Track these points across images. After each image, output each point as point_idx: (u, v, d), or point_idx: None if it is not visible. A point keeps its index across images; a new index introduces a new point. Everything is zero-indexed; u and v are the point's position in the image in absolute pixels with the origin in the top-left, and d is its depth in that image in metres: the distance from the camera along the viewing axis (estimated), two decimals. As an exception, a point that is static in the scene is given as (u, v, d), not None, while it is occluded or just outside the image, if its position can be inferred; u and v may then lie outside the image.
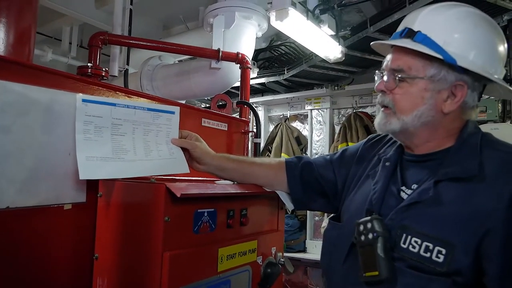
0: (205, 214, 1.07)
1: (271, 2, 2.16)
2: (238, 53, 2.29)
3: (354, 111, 3.95)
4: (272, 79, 3.94)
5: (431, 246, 0.88)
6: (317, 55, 3.07)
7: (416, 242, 0.90)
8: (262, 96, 4.53)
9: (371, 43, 1.13)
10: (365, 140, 1.27)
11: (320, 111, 4.16)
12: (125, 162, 1.10)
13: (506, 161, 0.91)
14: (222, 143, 1.73)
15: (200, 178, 1.35)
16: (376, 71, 1.08)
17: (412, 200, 0.96)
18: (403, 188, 1.01)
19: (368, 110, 3.96)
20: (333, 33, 2.60)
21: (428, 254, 0.88)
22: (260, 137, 1.97)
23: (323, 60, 3.12)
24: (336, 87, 4.10)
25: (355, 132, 3.80)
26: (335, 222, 1.15)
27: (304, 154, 4.24)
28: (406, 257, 0.91)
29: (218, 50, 2.28)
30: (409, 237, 0.91)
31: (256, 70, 3.85)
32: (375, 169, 1.11)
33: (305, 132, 4.35)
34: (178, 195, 0.93)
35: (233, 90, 3.09)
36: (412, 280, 0.89)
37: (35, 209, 1.02)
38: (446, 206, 0.91)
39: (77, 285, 1.09)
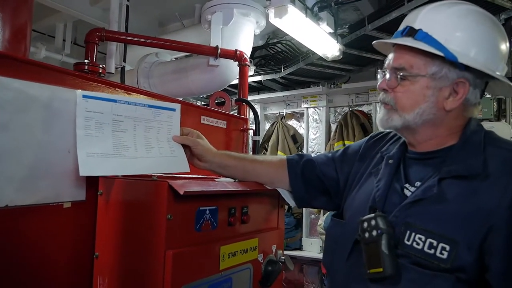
0: (207, 212, 1.06)
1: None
2: (236, 50, 2.27)
3: (351, 109, 3.96)
4: (268, 77, 3.94)
5: (435, 242, 0.88)
6: (314, 53, 3.07)
7: (420, 239, 0.90)
8: (258, 94, 4.52)
9: (373, 42, 1.13)
10: (367, 137, 1.27)
11: (316, 109, 4.16)
12: (126, 159, 1.09)
13: (509, 159, 0.92)
14: (221, 141, 1.72)
15: (199, 176, 1.34)
16: (379, 70, 1.08)
17: (416, 198, 0.96)
18: (407, 185, 1.02)
19: (365, 109, 3.97)
20: (331, 31, 2.60)
21: (432, 251, 0.88)
22: (259, 135, 1.96)
23: (320, 58, 3.12)
24: (332, 85, 4.10)
25: (352, 130, 3.80)
26: (338, 220, 1.15)
27: (300, 152, 4.24)
28: (410, 253, 0.91)
29: (216, 47, 2.26)
30: (413, 234, 0.92)
31: (253, 68, 3.84)
32: (378, 167, 1.11)
33: (301, 130, 4.35)
34: (181, 193, 0.92)
35: (230, 88, 3.08)
36: (416, 277, 0.89)
37: (34, 208, 1.00)
38: (450, 204, 0.91)
39: (77, 284, 1.08)
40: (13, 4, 1.43)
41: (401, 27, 1.04)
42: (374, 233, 0.94)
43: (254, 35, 2.76)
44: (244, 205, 1.20)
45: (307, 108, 4.20)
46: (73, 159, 1.04)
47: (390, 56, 1.05)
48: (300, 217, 4.09)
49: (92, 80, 1.17)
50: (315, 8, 2.39)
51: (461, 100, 0.97)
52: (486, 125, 2.90)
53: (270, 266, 1.27)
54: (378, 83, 1.05)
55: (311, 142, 4.19)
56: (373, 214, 0.97)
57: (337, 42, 2.73)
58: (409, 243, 0.92)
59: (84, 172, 1.01)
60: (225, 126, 1.74)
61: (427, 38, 0.95)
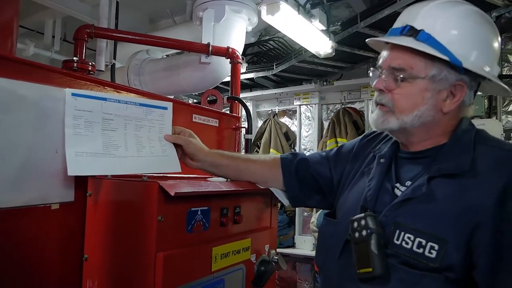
0: (199, 212, 1.04)
1: (262, -4, 2.13)
2: (228, 48, 2.25)
3: (343, 106, 3.96)
4: (260, 74, 3.92)
5: (423, 242, 0.88)
6: (306, 50, 3.06)
7: (409, 238, 0.90)
8: (251, 91, 4.49)
9: (367, 40, 1.11)
10: (361, 136, 1.26)
11: (308, 106, 4.15)
12: (116, 158, 1.07)
13: (498, 157, 0.91)
14: (213, 139, 1.71)
15: (192, 176, 1.32)
16: (371, 68, 1.06)
17: (405, 197, 0.96)
18: (397, 185, 1.01)
19: (357, 106, 3.97)
20: (323, 28, 2.59)
21: (421, 250, 0.88)
22: (251, 133, 1.94)
23: (312, 56, 3.11)
24: (324, 83, 4.10)
25: (344, 127, 3.80)
26: (330, 219, 1.15)
27: (292, 150, 4.24)
28: (400, 253, 0.91)
29: (208, 44, 2.24)
30: (402, 233, 0.91)
31: (245, 65, 3.82)
32: (370, 166, 1.11)
33: (294, 128, 4.34)
34: (172, 194, 0.90)
35: (222, 86, 3.06)
36: (405, 276, 0.89)
37: (21, 210, 0.97)
38: (439, 202, 0.91)
39: (66, 287, 1.05)
40: (-1, -1, 1.39)
41: (398, 25, 1.01)
42: (364, 233, 0.94)
43: (246, 32, 2.74)
44: (237, 205, 1.18)
45: (300, 105, 4.19)
46: (61, 159, 1.01)
47: (385, 54, 1.02)
48: (293, 214, 4.09)
49: (81, 78, 1.14)
50: (308, 5, 2.37)
51: (458, 103, 0.97)
52: (477, 122, 2.92)
53: (263, 266, 1.26)
54: (374, 83, 1.02)
55: (304, 140, 4.19)
56: (363, 214, 0.97)
57: (330, 39, 2.72)
58: (398, 242, 0.91)
59: (72, 171, 0.99)
60: (217, 125, 1.72)
61: (430, 40, 0.93)
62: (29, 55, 3.18)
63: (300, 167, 1.24)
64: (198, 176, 1.32)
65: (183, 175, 1.24)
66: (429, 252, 0.87)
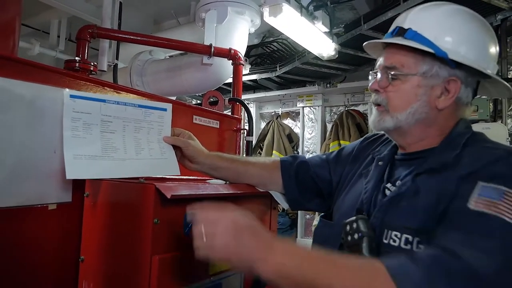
0: (197, 215, 1.03)
1: (265, -3, 2.13)
2: (230, 49, 2.24)
3: (346, 109, 3.95)
4: (264, 75, 3.92)
5: (410, 238, 0.87)
6: (309, 52, 3.05)
7: (396, 235, 0.89)
8: (254, 93, 4.49)
9: (364, 44, 1.13)
10: (361, 139, 1.25)
11: (312, 108, 4.14)
12: (114, 161, 1.06)
13: (481, 153, 0.90)
14: (214, 141, 1.70)
15: (190, 177, 1.31)
16: (370, 72, 1.08)
17: (392, 195, 0.96)
18: (388, 185, 1.01)
19: (360, 108, 3.96)
20: (326, 30, 2.58)
21: (408, 246, 0.87)
22: (252, 135, 1.93)
23: (316, 57, 3.10)
24: (328, 85, 4.09)
25: (347, 130, 3.79)
26: (326, 221, 1.14)
27: (295, 152, 4.23)
28: (388, 252, 0.89)
29: (210, 45, 2.24)
30: (390, 231, 0.90)
31: (248, 66, 3.81)
32: (368, 168, 1.10)
33: (297, 130, 4.33)
34: (169, 196, 0.89)
35: (224, 87, 3.06)
36: None
37: (18, 210, 0.97)
38: (422, 197, 0.90)
39: (62, 288, 1.05)
40: (0, -1, 1.39)
41: (390, 29, 1.05)
42: (356, 236, 0.92)
43: (249, 33, 2.73)
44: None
45: (303, 107, 4.19)
46: (59, 160, 1.01)
47: (381, 58, 1.05)
48: (295, 217, 4.08)
49: (80, 78, 1.14)
50: (311, 7, 2.36)
51: (453, 99, 0.97)
52: (482, 126, 2.92)
53: (262, 269, 1.24)
54: (370, 84, 1.05)
55: (307, 142, 4.18)
56: (354, 217, 0.95)
57: (333, 42, 2.71)
58: (386, 241, 0.90)
59: (71, 175, 0.98)
60: (218, 126, 1.71)
61: (417, 37, 0.96)
62: (34, 54, 3.21)
63: (300, 170, 1.23)
64: (198, 178, 1.31)
65: (182, 177, 1.23)
66: (417, 247, 0.85)
